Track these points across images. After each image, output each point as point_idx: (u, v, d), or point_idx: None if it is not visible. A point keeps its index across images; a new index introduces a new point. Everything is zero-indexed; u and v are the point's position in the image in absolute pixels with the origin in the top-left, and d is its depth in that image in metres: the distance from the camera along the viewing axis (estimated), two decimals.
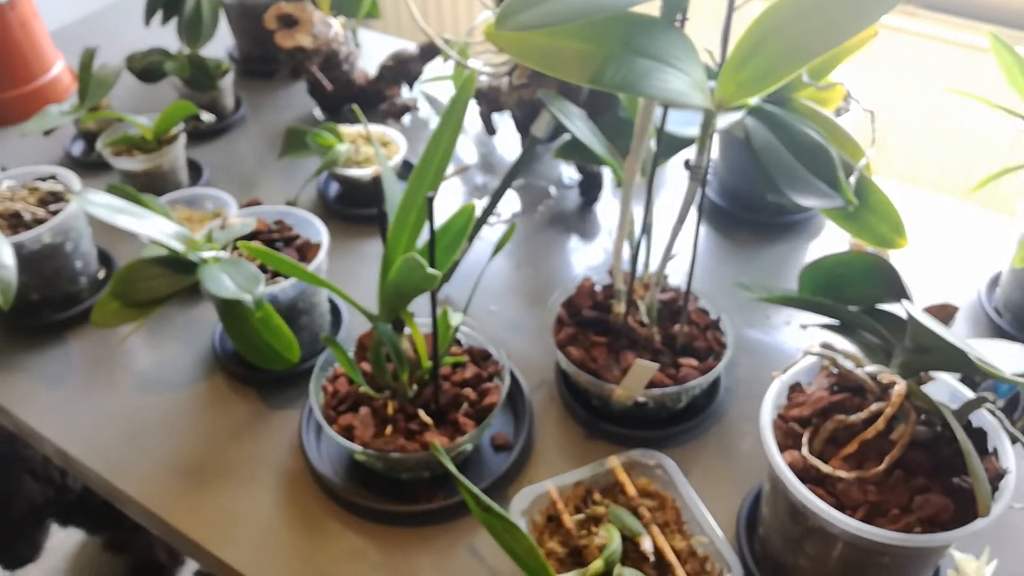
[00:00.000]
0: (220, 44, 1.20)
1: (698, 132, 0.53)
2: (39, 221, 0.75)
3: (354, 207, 0.91)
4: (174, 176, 0.92)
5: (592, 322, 0.68)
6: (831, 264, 0.56)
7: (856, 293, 0.55)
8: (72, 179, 0.78)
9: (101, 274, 0.82)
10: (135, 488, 0.64)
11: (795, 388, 0.54)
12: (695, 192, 0.56)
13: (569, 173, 0.98)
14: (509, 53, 0.44)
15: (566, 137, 0.76)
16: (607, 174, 0.93)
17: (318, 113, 1.07)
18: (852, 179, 0.66)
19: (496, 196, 0.78)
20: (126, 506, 0.66)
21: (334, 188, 0.94)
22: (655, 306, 0.65)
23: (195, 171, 0.96)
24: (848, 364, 0.51)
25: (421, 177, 0.56)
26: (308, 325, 0.72)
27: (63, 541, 1.33)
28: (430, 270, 0.49)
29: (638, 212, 0.65)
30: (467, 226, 0.57)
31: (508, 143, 1.04)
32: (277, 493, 0.63)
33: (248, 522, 0.61)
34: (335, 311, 0.78)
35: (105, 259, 0.84)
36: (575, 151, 0.75)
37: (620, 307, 0.65)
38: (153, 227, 0.64)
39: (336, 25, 0.97)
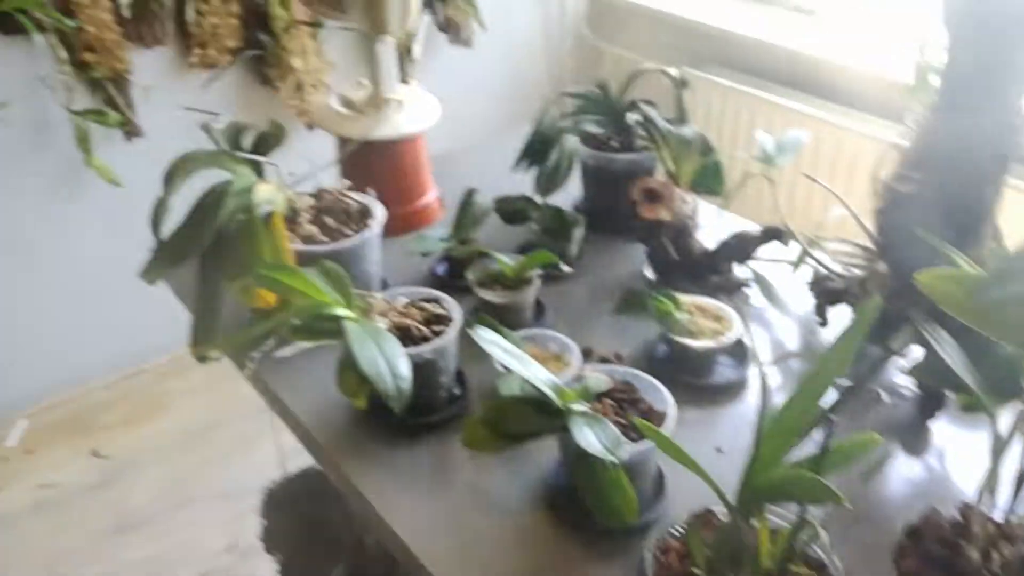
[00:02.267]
0: (567, 193, 1.32)
1: None
2: (424, 339, 0.87)
3: (681, 373, 0.95)
4: (524, 312, 1.03)
5: (939, 561, 0.65)
6: None
7: None
8: (454, 308, 0.90)
9: (457, 389, 0.93)
10: None
11: None
12: None
13: (906, 383, 0.96)
14: (962, 316, 0.46)
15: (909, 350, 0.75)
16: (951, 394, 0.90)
17: (649, 273, 1.15)
18: None
19: (842, 402, 0.78)
20: None
21: (662, 349, 0.99)
22: (1018, 562, 0.62)
23: (539, 309, 1.06)
24: None
25: (810, 388, 0.59)
26: (639, 485, 0.76)
27: None
28: (832, 488, 0.51)
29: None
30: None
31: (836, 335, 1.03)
32: None
33: None
34: (658, 474, 0.81)
35: (460, 375, 0.94)
36: (933, 374, 0.74)
37: (973, 553, 0.62)
38: (532, 373, 0.72)
39: (692, 202, 1.05)
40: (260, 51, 1.99)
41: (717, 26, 2.26)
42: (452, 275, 1.13)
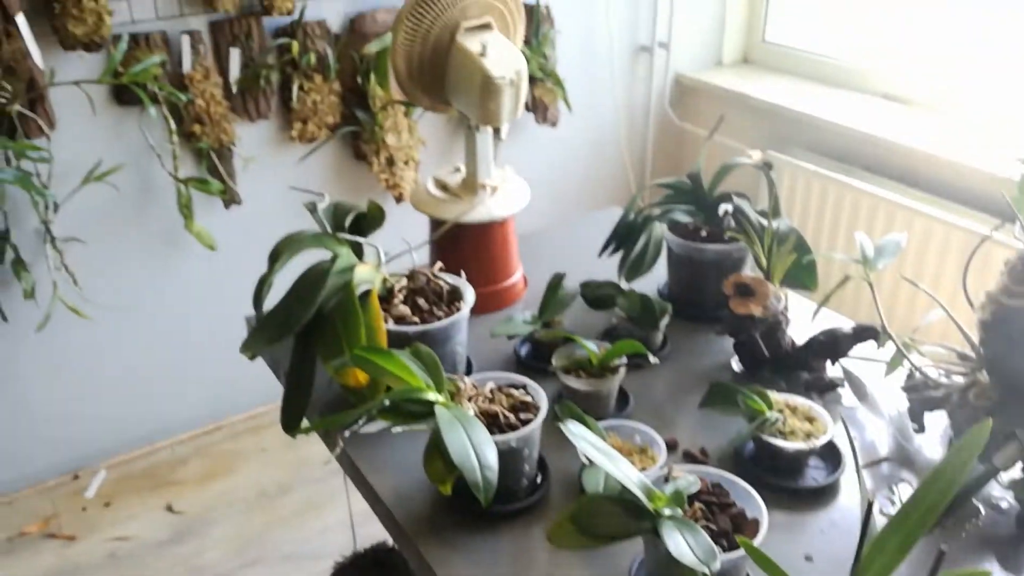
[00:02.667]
0: (651, 277, 1.33)
1: None
2: (511, 426, 0.87)
3: (770, 474, 0.92)
4: (608, 400, 1.02)
5: None
6: None
7: None
8: (541, 397, 0.91)
9: (539, 478, 0.92)
10: None
11: None
12: None
13: (1004, 496, 0.91)
14: None
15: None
16: None
17: (737, 366, 1.13)
18: None
19: (944, 519, 0.75)
20: None
21: (750, 448, 0.97)
22: None
23: (623, 397, 1.06)
24: None
25: (918, 508, 0.56)
26: None
27: None
28: None
29: None
30: None
31: (931, 442, 1.00)
32: None
33: None
34: None
35: (542, 462, 0.94)
36: None
37: None
38: (622, 472, 0.71)
39: (784, 298, 1.03)
40: (356, 127, 2.08)
41: (802, 110, 2.26)
42: (535, 357, 1.14)
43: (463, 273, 1.11)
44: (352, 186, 2.20)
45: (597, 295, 1.17)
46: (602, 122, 2.56)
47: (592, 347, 1.03)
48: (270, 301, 1.00)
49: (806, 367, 1.08)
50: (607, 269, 1.22)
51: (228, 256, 2.07)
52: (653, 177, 2.73)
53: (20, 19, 1.66)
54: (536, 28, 2.20)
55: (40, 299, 1.86)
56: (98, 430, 2.12)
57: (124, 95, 1.82)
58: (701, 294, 1.21)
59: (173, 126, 1.86)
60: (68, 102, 1.79)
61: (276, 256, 1.04)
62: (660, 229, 1.22)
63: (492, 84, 1.07)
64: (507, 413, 0.88)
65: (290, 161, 2.09)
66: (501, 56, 1.09)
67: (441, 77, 1.13)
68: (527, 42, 2.20)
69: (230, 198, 2.02)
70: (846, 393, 1.09)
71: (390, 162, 2.11)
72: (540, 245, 1.49)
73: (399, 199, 2.16)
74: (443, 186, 1.27)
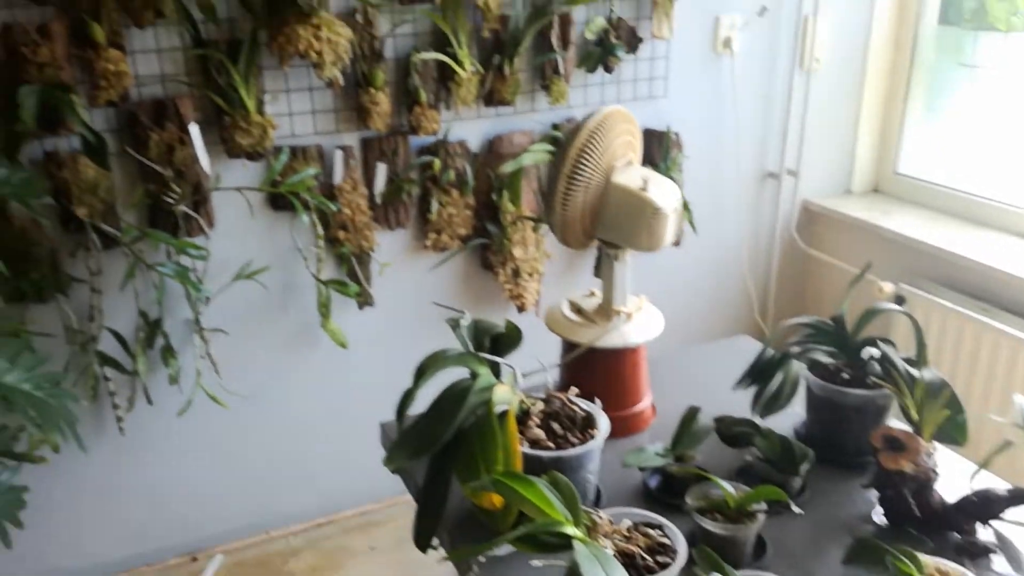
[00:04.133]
0: (786, 415, 1.30)
1: None
2: (648, 569, 0.85)
3: None
4: (744, 547, 0.99)
5: None
6: None
7: None
8: (679, 540, 0.89)
9: None
10: None
11: None
12: None
13: None
14: None
15: None
16: None
17: (879, 518, 1.08)
18: None
19: None
20: None
21: None
22: None
23: (759, 545, 1.02)
24: None
25: None
26: None
27: None
28: None
29: None
30: None
31: None
32: None
33: None
34: None
35: None
36: None
37: None
38: None
39: (935, 453, 0.99)
40: (486, 239, 2.16)
41: (937, 244, 2.20)
42: (666, 491, 1.12)
43: (597, 400, 1.12)
44: (478, 294, 2.27)
45: (733, 432, 1.15)
46: (726, 245, 2.56)
47: (729, 488, 1.01)
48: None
49: (956, 528, 1.02)
50: (736, 401, 1.21)
51: (357, 355, 2.15)
52: (777, 303, 2.69)
53: (193, 128, 1.83)
54: (665, 152, 2.26)
55: (183, 385, 1.98)
56: (218, 514, 2.19)
57: (279, 201, 1.97)
58: (842, 438, 1.18)
59: (320, 231, 1.98)
60: (228, 205, 1.94)
61: (422, 372, 1.08)
62: (797, 367, 1.21)
63: (660, 215, 1.12)
64: (645, 555, 0.87)
65: (423, 268, 2.18)
66: (661, 188, 1.14)
67: (594, 216, 1.18)
68: (655, 165, 2.26)
69: (364, 300, 2.11)
70: (1000, 560, 1.02)
71: (516, 273, 2.17)
72: (667, 371, 1.49)
73: (521, 309, 2.20)
74: (578, 309, 1.30)
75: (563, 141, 1.15)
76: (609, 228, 1.18)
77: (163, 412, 2.02)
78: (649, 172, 1.17)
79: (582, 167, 1.12)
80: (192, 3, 1.71)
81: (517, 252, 2.14)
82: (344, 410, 2.22)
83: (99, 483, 2.03)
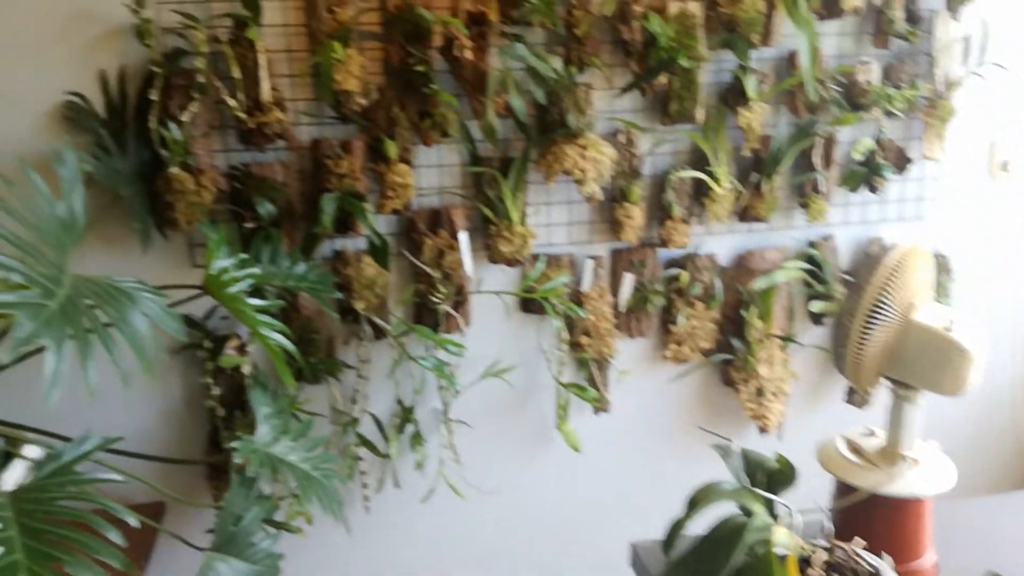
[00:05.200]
0: None
1: None
2: None
3: None
4: None
5: None
6: None
7: None
8: None
9: None
10: None
11: None
12: None
13: None
14: None
15: None
16: None
17: None
18: None
19: None
20: None
21: None
22: None
23: None
24: None
25: None
26: None
27: None
28: None
29: None
30: None
31: None
32: None
33: None
34: None
35: None
36: None
37: None
38: None
39: None
40: (729, 355, 2.12)
41: None
42: None
43: (885, 555, 1.05)
44: (716, 410, 2.22)
45: None
46: (995, 383, 2.33)
47: None
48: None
49: None
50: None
51: (589, 459, 2.16)
52: None
53: (463, 236, 1.97)
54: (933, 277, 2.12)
55: (427, 471, 2.08)
56: None
57: (530, 305, 2.06)
58: None
59: (565, 335, 2.04)
60: (484, 305, 2.05)
61: (694, 503, 1.06)
62: None
63: (967, 357, 1.06)
64: None
65: (660, 379, 2.17)
66: (967, 329, 1.07)
67: (890, 355, 1.13)
68: None
69: (600, 406, 2.13)
70: None
71: (759, 392, 2.10)
72: (948, 523, 1.36)
73: (763, 430, 2.12)
74: (856, 449, 1.23)
75: (859, 278, 1.12)
76: (907, 369, 1.12)
77: (407, 496, 2.12)
78: (952, 311, 1.10)
79: (881, 306, 1.08)
80: (474, 125, 1.88)
81: (763, 370, 2.08)
82: (573, 510, 2.23)
83: (346, 557, 2.16)
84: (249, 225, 1.79)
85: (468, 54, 1.74)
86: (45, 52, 1.68)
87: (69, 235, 1.19)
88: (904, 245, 1.11)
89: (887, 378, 1.17)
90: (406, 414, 2.05)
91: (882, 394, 1.96)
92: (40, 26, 1.67)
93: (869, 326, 1.09)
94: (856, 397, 2.24)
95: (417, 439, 2.07)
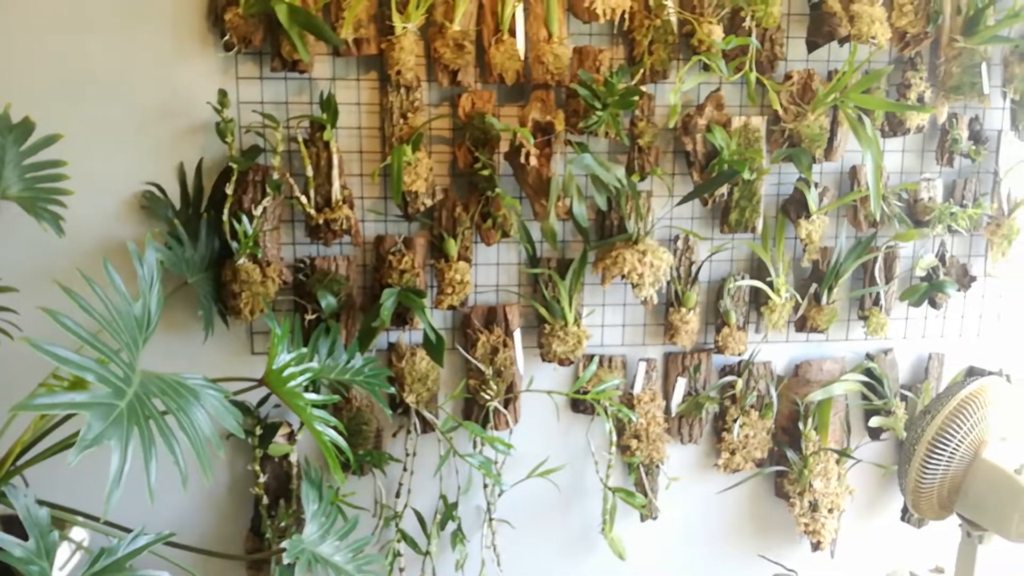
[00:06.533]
0: None
1: None
2: None
3: None
4: None
5: None
6: None
7: None
8: None
9: None
10: None
11: None
12: None
13: None
14: None
15: None
16: None
17: None
18: None
19: None
20: None
21: None
22: None
23: None
24: None
25: None
26: None
27: None
28: None
29: None
30: None
31: None
32: None
33: None
34: None
35: None
36: None
37: None
38: None
39: None
40: (783, 467, 2.06)
41: None
42: None
43: None
44: (767, 523, 2.15)
45: None
46: None
47: None
48: None
49: None
50: None
51: (634, 568, 2.10)
52: None
53: (517, 334, 1.97)
54: None
55: (466, 571, 2.04)
56: None
57: (580, 405, 2.04)
58: None
59: (615, 438, 2.01)
60: (533, 404, 2.04)
61: None
62: None
63: None
64: None
65: (711, 487, 2.12)
66: None
67: (955, 488, 1.09)
68: None
69: (648, 513, 2.08)
70: None
71: (813, 507, 2.03)
72: None
73: (817, 546, 2.04)
74: None
75: (931, 407, 1.09)
76: (972, 506, 1.08)
77: None
78: None
79: (947, 436, 1.05)
80: (534, 227, 1.90)
81: (818, 484, 2.01)
82: None
83: None
84: (310, 317, 1.82)
85: (533, 161, 1.77)
86: (129, 143, 1.76)
87: (143, 332, 1.22)
88: (983, 379, 1.08)
89: (959, 514, 1.13)
90: (449, 511, 2.02)
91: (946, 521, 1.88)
92: (128, 118, 1.75)
93: (933, 454, 1.06)
94: (913, 517, 2.15)
95: (459, 537, 2.03)
